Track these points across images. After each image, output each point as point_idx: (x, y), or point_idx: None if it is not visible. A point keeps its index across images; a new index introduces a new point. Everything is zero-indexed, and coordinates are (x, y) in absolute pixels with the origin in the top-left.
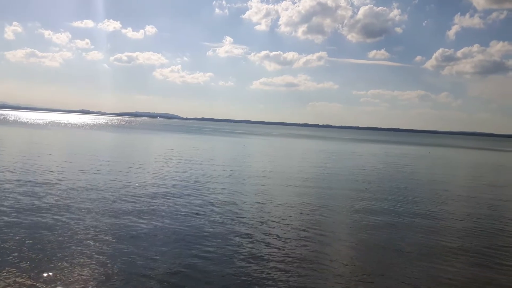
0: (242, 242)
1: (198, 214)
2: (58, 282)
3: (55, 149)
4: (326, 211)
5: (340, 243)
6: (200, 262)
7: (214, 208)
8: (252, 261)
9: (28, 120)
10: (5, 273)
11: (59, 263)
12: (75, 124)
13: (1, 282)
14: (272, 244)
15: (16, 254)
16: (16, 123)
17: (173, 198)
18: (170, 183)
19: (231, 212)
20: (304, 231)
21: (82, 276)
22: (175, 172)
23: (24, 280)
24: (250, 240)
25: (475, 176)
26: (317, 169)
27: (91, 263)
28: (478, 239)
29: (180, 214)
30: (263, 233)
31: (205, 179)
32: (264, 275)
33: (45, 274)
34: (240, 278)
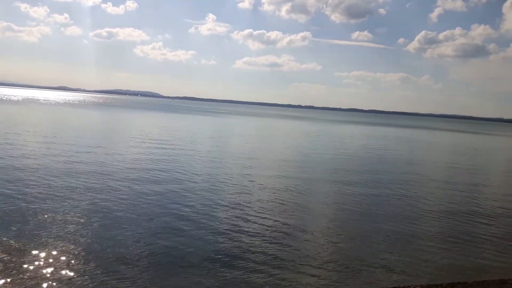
0: (219, 226)
1: (177, 195)
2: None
3: (27, 128)
4: (304, 193)
5: (318, 224)
6: (178, 245)
7: (193, 190)
8: (230, 245)
9: (3, 96)
10: None
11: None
12: (53, 101)
13: None
14: (251, 227)
15: None
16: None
17: (151, 177)
18: (152, 164)
19: (210, 192)
20: (282, 212)
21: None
22: (154, 152)
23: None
24: (228, 224)
25: (453, 158)
26: (297, 150)
27: (67, 247)
28: (453, 221)
29: (158, 196)
30: (241, 215)
31: (185, 160)
32: (242, 257)
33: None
34: (219, 260)
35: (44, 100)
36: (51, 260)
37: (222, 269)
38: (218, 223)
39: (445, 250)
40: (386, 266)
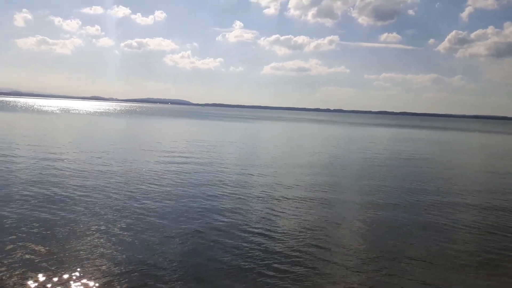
0: (247, 229)
1: (206, 200)
2: (63, 267)
3: (68, 136)
4: (333, 196)
5: (346, 226)
6: (205, 252)
7: (223, 193)
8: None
9: (41, 107)
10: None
11: (65, 247)
12: (89, 111)
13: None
14: (278, 229)
15: (23, 232)
16: (30, 110)
17: (183, 182)
18: (183, 167)
19: (239, 194)
20: (310, 215)
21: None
22: (187, 157)
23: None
24: (256, 228)
25: (486, 160)
26: (325, 153)
27: (99, 248)
28: (488, 225)
29: (186, 200)
30: (270, 217)
31: (216, 164)
32: (270, 261)
33: (50, 256)
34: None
35: (82, 110)
36: (76, 267)
37: (250, 274)
38: (247, 227)
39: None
40: (415, 278)
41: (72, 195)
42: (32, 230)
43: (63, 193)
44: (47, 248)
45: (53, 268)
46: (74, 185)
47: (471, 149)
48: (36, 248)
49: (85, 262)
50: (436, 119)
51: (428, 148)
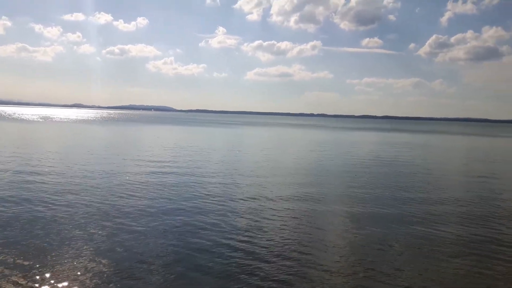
0: (231, 235)
1: (192, 201)
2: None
3: (47, 145)
4: (317, 200)
5: (330, 232)
6: (193, 259)
7: (208, 200)
8: (244, 254)
9: (21, 115)
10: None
11: (53, 256)
12: (70, 119)
13: None
14: (262, 236)
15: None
16: (9, 119)
17: (165, 194)
18: (169, 174)
19: (221, 204)
20: (294, 221)
21: (75, 269)
22: (172, 163)
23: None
24: (242, 233)
25: (467, 163)
26: (309, 158)
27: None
28: (470, 227)
29: (174, 207)
30: (255, 222)
31: (200, 170)
32: (255, 264)
33: (38, 263)
34: (231, 270)
35: (64, 117)
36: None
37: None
38: (230, 240)
39: (461, 259)
40: (400, 278)
41: (49, 208)
42: (8, 245)
43: (39, 208)
44: (26, 263)
45: (31, 284)
46: (51, 198)
47: (453, 152)
48: (15, 263)
49: (64, 278)
50: (418, 122)
51: (411, 151)
